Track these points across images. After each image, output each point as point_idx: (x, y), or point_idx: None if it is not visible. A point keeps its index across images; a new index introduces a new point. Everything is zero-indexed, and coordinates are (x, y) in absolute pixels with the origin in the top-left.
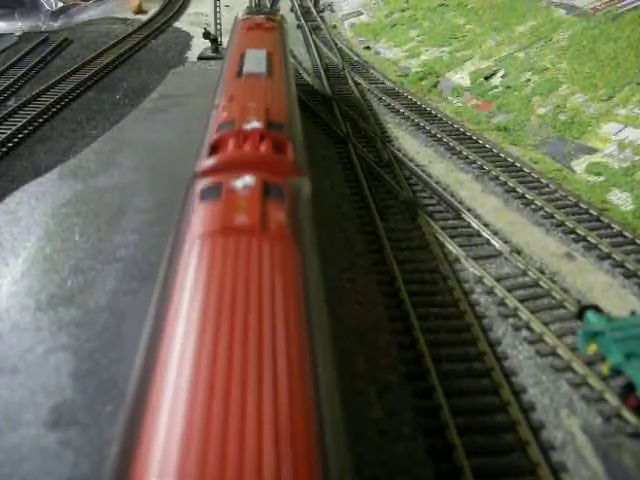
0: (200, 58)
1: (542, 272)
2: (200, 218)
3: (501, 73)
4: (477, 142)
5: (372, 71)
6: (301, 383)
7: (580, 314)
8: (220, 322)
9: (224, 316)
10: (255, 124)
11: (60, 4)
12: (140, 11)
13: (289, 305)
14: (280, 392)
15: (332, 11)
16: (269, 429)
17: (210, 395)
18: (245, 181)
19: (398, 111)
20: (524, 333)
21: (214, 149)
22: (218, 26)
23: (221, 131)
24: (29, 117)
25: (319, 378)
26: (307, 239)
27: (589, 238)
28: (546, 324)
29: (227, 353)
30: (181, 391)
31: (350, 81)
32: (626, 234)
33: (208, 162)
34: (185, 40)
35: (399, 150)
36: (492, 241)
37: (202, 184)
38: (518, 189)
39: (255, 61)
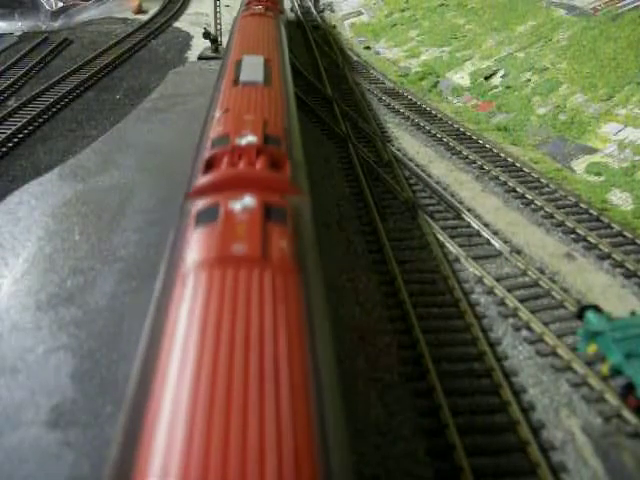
0: (200, 58)
1: (542, 272)
2: (195, 245)
3: (501, 73)
4: (477, 142)
5: (372, 71)
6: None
7: (580, 314)
8: (217, 364)
9: (222, 357)
10: (250, 139)
11: (60, 4)
12: (140, 11)
13: (293, 343)
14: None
15: (332, 11)
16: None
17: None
18: (244, 202)
19: (398, 111)
20: (524, 333)
21: (209, 166)
22: (218, 26)
23: (216, 147)
24: (29, 117)
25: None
26: (311, 267)
27: (589, 238)
28: (546, 324)
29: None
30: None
31: (350, 81)
32: (626, 234)
33: (203, 180)
34: (185, 40)
35: (399, 150)
36: (492, 241)
37: (198, 205)
38: (518, 189)
39: (252, 68)
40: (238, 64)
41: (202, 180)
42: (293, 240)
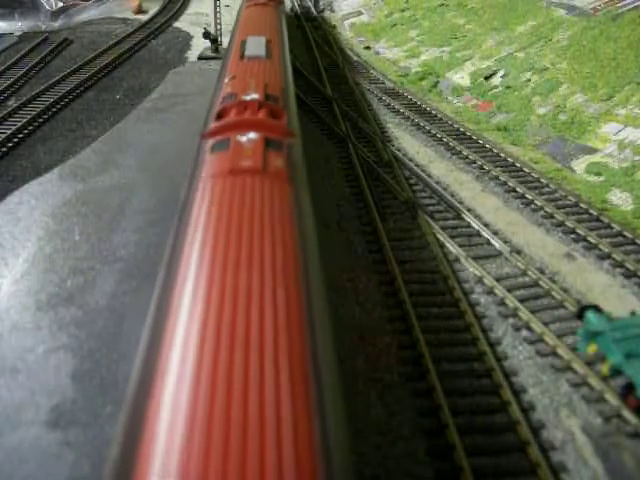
0: (200, 58)
1: (542, 272)
2: (211, 164)
3: (501, 73)
4: (477, 142)
5: (372, 71)
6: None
7: (580, 314)
8: (229, 250)
9: (232, 241)
10: (254, 95)
11: (60, 4)
12: (140, 11)
13: (286, 235)
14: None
15: (332, 11)
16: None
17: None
18: (249, 136)
19: (398, 111)
20: (524, 333)
21: (219, 116)
22: (218, 26)
23: (225, 102)
24: (29, 117)
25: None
26: (300, 182)
27: (589, 238)
28: (546, 324)
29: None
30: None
31: (350, 81)
32: (626, 234)
33: (215, 124)
34: (185, 40)
35: (399, 150)
36: (492, 241)
37: (212, 141)
38: (518, 189)
39: (256, 46)
40: (243, 43)
41: (215, 124)
42: (287, 162)
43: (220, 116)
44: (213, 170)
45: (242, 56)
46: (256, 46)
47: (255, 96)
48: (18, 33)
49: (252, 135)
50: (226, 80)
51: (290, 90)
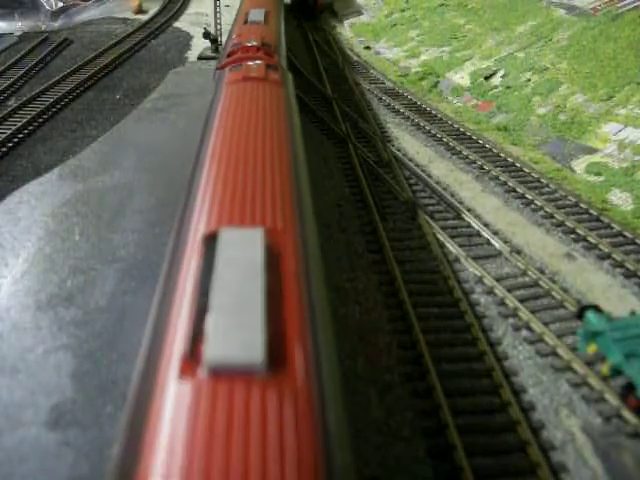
0: (200, 58)
1: (542, 272)
2: (228, 76)
3: (501, 73)
4: (477, 142)
5: (372, 71)
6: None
7: (580, 314)
8: (240, 137)
9: (243, 129)
10: (254, 42)
11: (60, 4)
12: (140, 11)
13: (281, 125)
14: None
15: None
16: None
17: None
18: (256, 62)
19: (398, 111)
20: (524, 333)
21: (229, 55)
22: (218, 26)
23: (233, 47)
24: (29, 117)
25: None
26: (289, 87)
27: (589, 238)
28: (546, 324)
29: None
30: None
31: (350, 81)
32: (626, 234)
33: (226, 60)
34: (185, 40)
35: (399, 150)
36: (492, 241)
37: (227, 68)
38: (518, 189)
39: (256, 15)
40: (247, 14)
41: (226, 60)
42: (280, 76)
43: (230, 55)
44: (229, 79)
45: (246, 22)
46: (257, 15)
47: (255, 43)
48: (18, 33)
49: (258, 62)
50: (234, 36)
51: (282, 44)
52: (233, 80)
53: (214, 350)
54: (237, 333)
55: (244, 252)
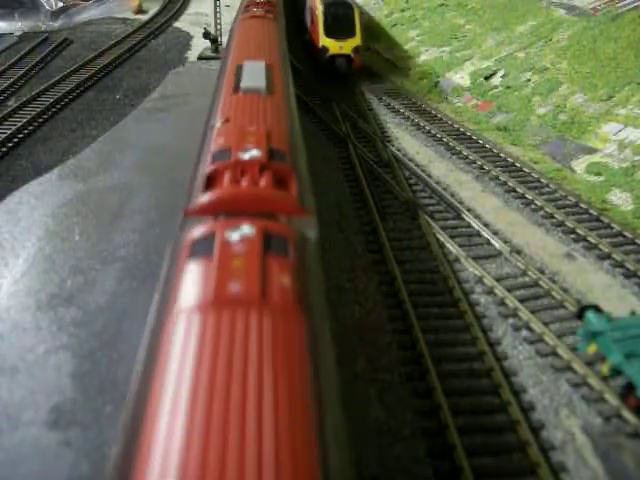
0: (200, 58)
1: (542, 272)
2: (189, 283)
3: (501, 73)
4: (477, 142)
5: (372, 71)
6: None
7: (580, 314)
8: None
9: (215, 413)
10: (254, 153)
11: (60, 4)
12: (140, 11)
13: (295, 398)
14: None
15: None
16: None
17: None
18: (243, 232)
19: (398, 111)
20: (524, 333)
21: (209, 182)
22: (218, 26)
23: (216, 161)
24: (29, 117)
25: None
26: (315, 306)
27: (589, 238)
28: (546, 324)
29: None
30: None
31: (350, 81)
32: (626, 234)
33: (202, 199)
34: (185, 40)
35: (399, 150)
36: (492, 241)
37: (193, 233)
38: (518, 189)
39: (254, 74)
40: (239, 69)
41: (202, 199)
42: (296, 275)
43: (210, 183)
44: (191, 295)
45: (237, 88)
46: (254, 75)
47: (256, 153)
48: (18, 33)
49: (247, 230)
50: (218, 124)
51: (299, 139)
52: (198, 303)
53: None
54: None
55: None
